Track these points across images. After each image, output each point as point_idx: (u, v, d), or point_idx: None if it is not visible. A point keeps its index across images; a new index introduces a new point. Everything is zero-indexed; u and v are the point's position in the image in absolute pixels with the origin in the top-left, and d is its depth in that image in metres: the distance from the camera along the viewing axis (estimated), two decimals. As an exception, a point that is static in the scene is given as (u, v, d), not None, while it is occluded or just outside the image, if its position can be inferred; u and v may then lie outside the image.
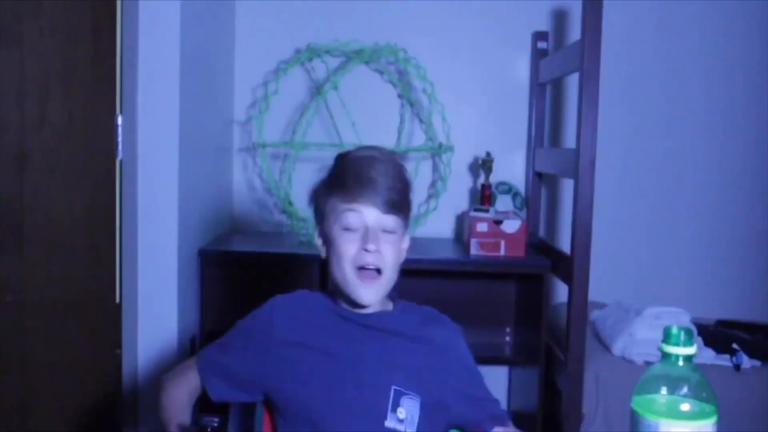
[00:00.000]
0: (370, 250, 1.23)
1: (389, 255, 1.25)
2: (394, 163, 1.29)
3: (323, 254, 1.32)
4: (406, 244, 1.32)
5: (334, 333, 1.28)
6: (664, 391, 0.86)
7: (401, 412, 1.22)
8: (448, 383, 1.27)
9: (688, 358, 0.86)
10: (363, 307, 1.28)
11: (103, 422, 2.22)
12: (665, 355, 0.86)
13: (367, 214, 1.24)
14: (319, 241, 1.33)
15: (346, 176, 1.26)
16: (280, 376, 1.26)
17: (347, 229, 1.25)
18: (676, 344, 0.85)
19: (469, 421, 1.29)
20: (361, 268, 1.24)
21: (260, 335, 1.29)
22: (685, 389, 0.85)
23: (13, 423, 2.12)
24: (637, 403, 0.86)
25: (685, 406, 0.84)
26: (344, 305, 1.30)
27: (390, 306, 1.34)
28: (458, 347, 1.32)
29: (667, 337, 0.86)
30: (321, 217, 1.31)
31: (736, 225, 2.88)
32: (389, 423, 1.21)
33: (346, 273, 1.25)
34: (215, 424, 1.00)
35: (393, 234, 1.26)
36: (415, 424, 1.22)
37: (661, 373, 0.86)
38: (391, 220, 1.25)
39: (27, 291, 2.12)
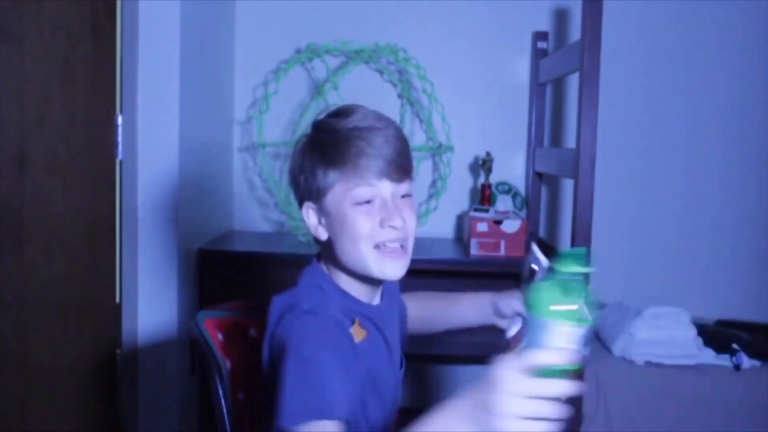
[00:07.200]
0: (396, 227, 1.13)
1: (411, 221, 1.16)
2: (393, 125, 1.18)
3: (322, 235, 1.19)
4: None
5: (373, 344, 1.19)
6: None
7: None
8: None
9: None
10: (378, 287, 1.22)
11: (103, 422, 2.22)
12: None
13: (382, 188, 1.13)
14: (313, 220, 1.19)
15: (349, 150, 1.12)
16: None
17: (359, 203, 1.13)
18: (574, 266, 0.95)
19: None
20: (380, 246, 1.14)
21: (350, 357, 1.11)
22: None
23: (13, 423, 2.12)
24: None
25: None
26: (353, 296, 1.19)
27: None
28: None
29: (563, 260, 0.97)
30: (316, 193, 1.16)
31: (737, 225, 2.88)
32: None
33: (362, 252, 1.13)
34: None
35: (409, 197, 1.18)
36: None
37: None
38: (405, 186, 1.17)
39: (27, 291, 2.12)
